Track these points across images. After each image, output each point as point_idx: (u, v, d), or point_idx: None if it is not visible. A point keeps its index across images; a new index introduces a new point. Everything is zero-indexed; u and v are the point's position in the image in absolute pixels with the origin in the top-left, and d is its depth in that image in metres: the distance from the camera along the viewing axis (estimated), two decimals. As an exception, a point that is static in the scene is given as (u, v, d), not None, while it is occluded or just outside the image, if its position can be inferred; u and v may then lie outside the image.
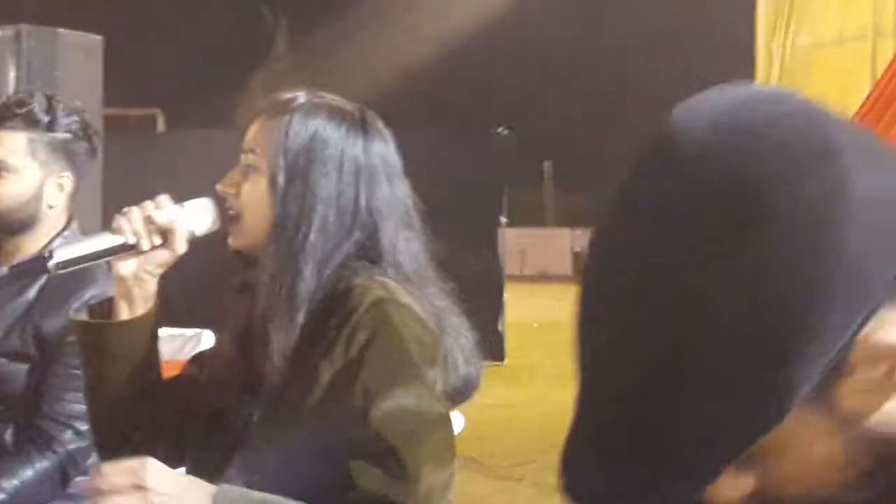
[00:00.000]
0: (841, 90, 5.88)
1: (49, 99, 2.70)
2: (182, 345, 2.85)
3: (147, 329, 1.88)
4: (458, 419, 2.39)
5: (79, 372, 1.94)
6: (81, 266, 1.85)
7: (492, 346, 10.90)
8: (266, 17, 29.94)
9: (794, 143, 0.78)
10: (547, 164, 28.31)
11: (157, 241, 1.82)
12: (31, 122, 2.63)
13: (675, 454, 0.79)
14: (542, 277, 22.55)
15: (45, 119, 2.64)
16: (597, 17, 28.72)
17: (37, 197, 2.67)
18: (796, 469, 0.82)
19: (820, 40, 6.35)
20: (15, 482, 2.53)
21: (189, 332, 2.89)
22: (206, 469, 1.88)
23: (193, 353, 2.69)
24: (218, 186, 1.88)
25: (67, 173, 2.70)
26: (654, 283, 0.79)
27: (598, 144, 28.62)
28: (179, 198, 1.90)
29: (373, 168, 1.83)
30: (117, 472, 1.63)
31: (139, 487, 1.60)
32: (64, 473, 2.60)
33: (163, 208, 1.84)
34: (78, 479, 2.61)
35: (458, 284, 1.93)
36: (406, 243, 1.86)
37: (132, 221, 1.82)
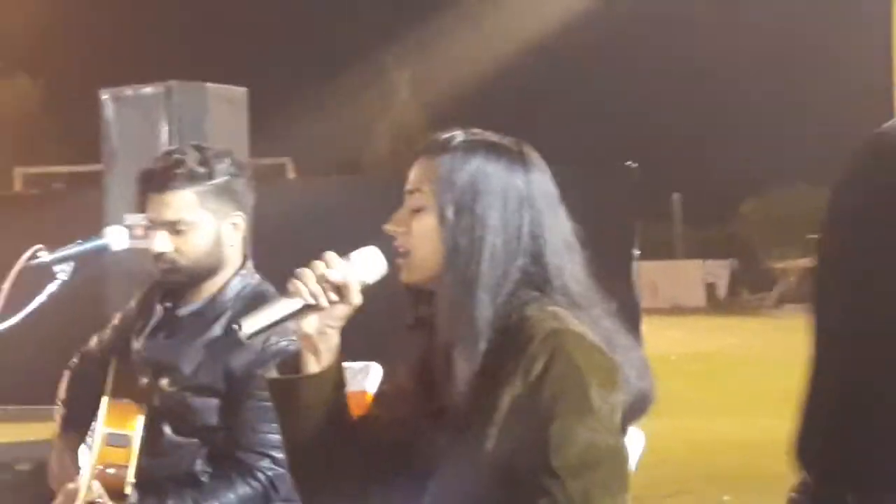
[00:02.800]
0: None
1: (199, 150, 2.88)
2: (351, 377, 2.92)
3: (334, 378, 1.95)
4: (638, 437, 2.40)
5: (269, 404, 2.02)
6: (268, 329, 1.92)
7: (632, 380, 10.79)
8: (387, 66, 30.38)
9: None
10: (676, 197, 27.99)
11: (334, 297, 1.89)
12: (192, 177, 2.80)
13: None
14: (676, 309, 22.25)
15: (203, 170, 2.82)
16: (720, 43, 28.40)
17: (217, 242, 2.84)
18: None
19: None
20: None
21: (357, 364, 2.96)
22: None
23: (363, 384, 2.75)
24: (387, 227, 1.95)
25: (238, 213, 2.87)
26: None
27: (726, 177, 28.26)
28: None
29: (534, 197, 1.90)
30: None
31: None
32: (266, 498, 2.71)
33: (333, 266, 1.90)
34: None
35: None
36: (571, 266, 1.91)
37: (308, 283, 1.88)
